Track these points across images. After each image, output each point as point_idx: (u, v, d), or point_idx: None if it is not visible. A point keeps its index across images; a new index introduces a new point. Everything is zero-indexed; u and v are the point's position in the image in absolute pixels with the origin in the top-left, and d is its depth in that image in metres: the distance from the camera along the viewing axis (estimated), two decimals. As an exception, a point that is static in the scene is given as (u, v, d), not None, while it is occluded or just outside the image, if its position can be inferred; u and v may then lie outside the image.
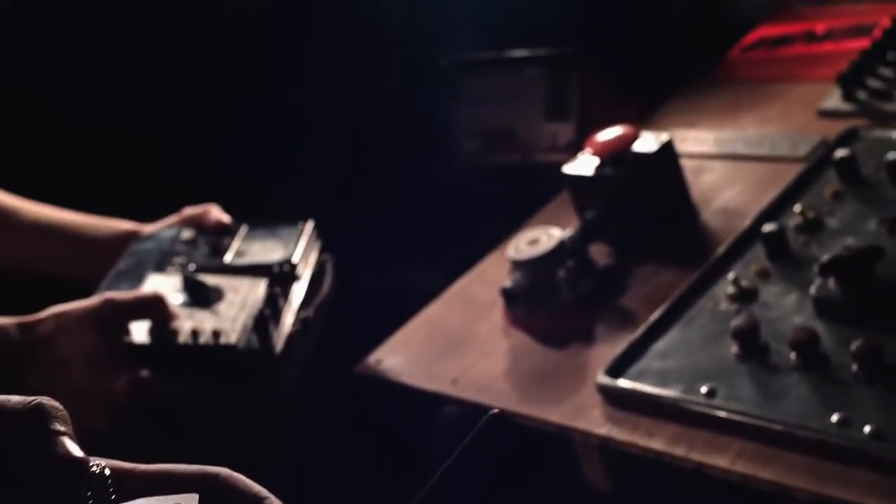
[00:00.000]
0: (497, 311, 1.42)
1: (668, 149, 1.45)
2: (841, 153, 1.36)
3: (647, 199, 1.43)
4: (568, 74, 1.74)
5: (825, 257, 1.16)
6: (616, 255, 1.43)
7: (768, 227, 1.28)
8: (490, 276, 1.50)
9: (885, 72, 1.56)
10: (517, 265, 1.38)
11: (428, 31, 1.80)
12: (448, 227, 1.77)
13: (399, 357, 1.42)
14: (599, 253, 1.44)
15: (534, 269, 1.36)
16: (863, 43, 1.66)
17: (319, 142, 1.79)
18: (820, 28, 1.77)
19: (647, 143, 1.45)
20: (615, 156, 1.43)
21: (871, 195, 1.32)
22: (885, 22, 1.65)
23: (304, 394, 1.30)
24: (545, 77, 1.76)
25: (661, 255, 1.40)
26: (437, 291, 1.53)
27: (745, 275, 1.26)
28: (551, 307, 1.36)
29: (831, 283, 1.16)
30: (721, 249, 1.32)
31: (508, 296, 1.37)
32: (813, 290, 1.17)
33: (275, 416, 1.21)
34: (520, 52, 1.79)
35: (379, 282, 1.76)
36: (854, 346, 1.07)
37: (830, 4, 1.84)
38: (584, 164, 1.46)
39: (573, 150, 1.68)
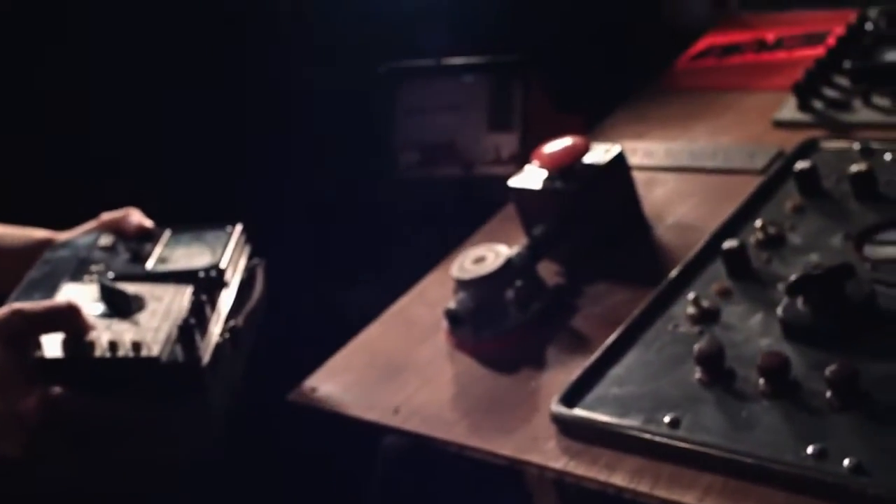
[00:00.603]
0: (440, 334, 1.33)
1: (619, 161, 1.38)
2: (801, 165, 1.30)
3: (598, 214, 1.35)
4: (511, 83, 1.66)
5: (793, 277, 1.08)
6: (567, 274, 1.36)
7: (728, 244, 1.21)
8: (432, 296, 1.41)
9: (841, 81, 1.50)
10: (462, 285, 1.29)
11: (366, 38, 1.72)
12: (386, 242, 1.68)
13: (336, 384, 1.33)
14: (549, 271, 1.36)
15: (480, 289, 1.28)
16: (816, 51, 1.60)
17: (252, 151, 1.69)
18: (770, 36, 1.71)
19: (597, 155, 1.38)
20: (564, 168, 1.35)
21: (834, 209, 1.26)
22: (839, 30, 1.59)
23: (234, 416, 1.21)
24: (487, 86, 1.68)
25: (615, 274, 1.32)
26: (375, 311, 1.44)
27: (705, 294, 1.19)
28: (499, 330, 1.28)
29: (800, 303, 1.09)
30: (678, 267, 1.24)
31: (453, 318, 1.28)
32: (780, 311, 1.10)
33: (201, 436, 1.11)
34: (461, 60, 1.70)
35: (313, 299, 1.66)
36: (828, 371, 0.99)
37: (774, 11, 1.79)
38: (531, 178, 1.38)
39: (517, 162, 1.61)
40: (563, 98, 1.71)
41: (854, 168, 1.25)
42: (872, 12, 1.58)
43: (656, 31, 1.95)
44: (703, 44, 1.78)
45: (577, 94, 1.77)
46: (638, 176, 1.42)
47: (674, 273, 1.24)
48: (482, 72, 1.69)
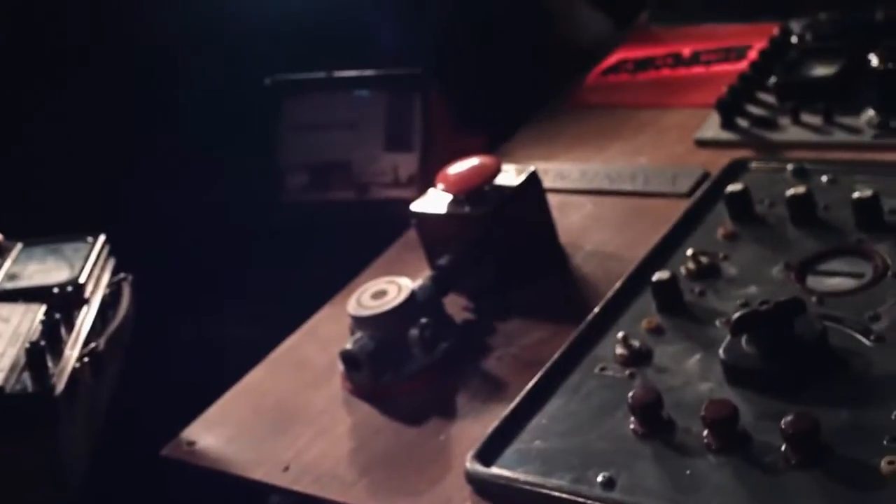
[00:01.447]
0: (336, 379, 1.18)
1: (533, 183, 1.25)
2: (732, 188, 1.18)
3: (511, 242, 1.22)
4: (410, 98, 1.52)
5: (737, 313, 0.96)
6: (477, 309, 1.22)
7: (659, 275, 1.08)
8: (326, 335, 1.26)
9: (767, 97, 1.40)
10: (359, 323, 1.14)
11: (253, 47, 1.55)
12: (273, 273, 1.52)
13: (216, 437, 1.16)
14: (457, 306, 1.22)
15: (380, 328, 1.13)
16: (736, 66, 1.50)
17: (126, 166, 1.52)
18: (685, 51, 1.60)
19: (508, 176, 1.24)
20: (473, 191, 1.21)
21: (770, 236, 1.14)
22: (760, 44, 1.49)
23: (98, 462, 1.05)
24: (384, 101, 1.54)
25: (531, 308, 1.19)
26: (260, 350, 1.28)
27: (634, 332, 1.06)
28: (402, 374, 1.13)
29: (744, 343, 0.97)
30: (603, 302, 1.11)
31: (350, 360, 1.13)
32: (722, 352, 0.98)
33: (55, 479, 0.97)
34: (355, 73, 1.56)
35: (192, 337, 1.49)
36: (784, 423, 0.87)
37: (687, 25, 1.68)
38: (435, 201, 1.24)
39: (417, 184, 1.47)
40: (465, 115, 1.58)
41: (791, 192, 1.14)
42: (796, 25, 1.48)
43: (559, 47, 1.83)
44: (613, 58, 1.66)
45: (480, 111, 1.64)
46: (551, 199, 1.29)
47: (598, 308, 1.11)
48: (378, 85, 1.54)
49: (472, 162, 1.24)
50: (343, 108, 1.56)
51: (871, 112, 1.29)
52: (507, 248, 1.21)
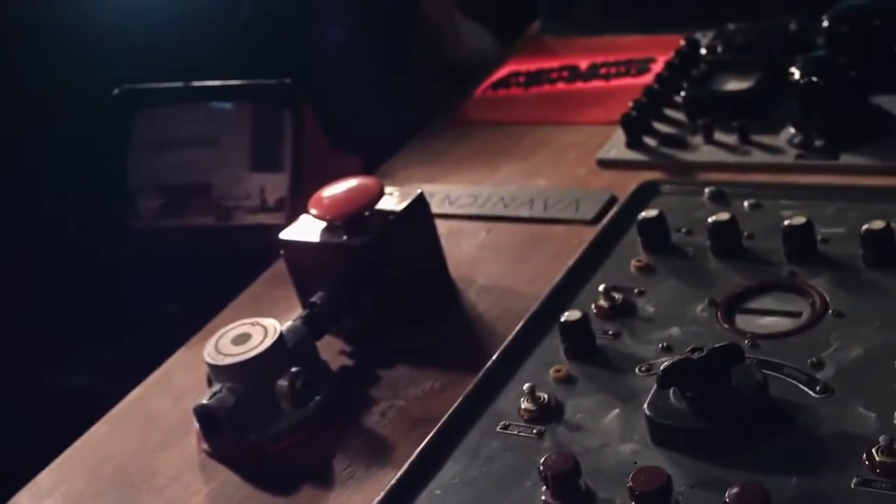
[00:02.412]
0: (191, 438, 1.00)
1: (419, 208, 1.09)
2: (646, 214, 1.04)
3: (395, 276, 1.06)
4: (280, 112, 1.34)
5: (666, 363, 0.82)
6: (357, 354, 1.05)
7: (568, 316, 0.93)
8: (180, 385, 1.08)
9: (675, 114, 1.27)
10: (218, 372, 0.97)
11: (102, 51, 1.36)
12: (118, 310, 1.33)
13: (45, 510, 0.98)
14: (333, 351, 1.05)
15: (242, 379, 0.96)
16: (639, 80, 1.38)
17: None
18: (583, 63, 1.47)
19: (391, 200, 1.08)
20: (350, 218, 1.05)
21: (690, 269, 1.01)
22: (665, 56, 1.36)
23: None
24: (250, 115, 1.36)
25: (419, 353, 1.03)
26: (102, 404, 1.10)
27: (541, 382, 0.91)
28: (269, 432, 0.96)
29: (672, 396, 0.82)
30: (504, 346, 0.96)
31: (206, 417, 0.96)
32: (647, 407, 0.83)
33: None
34: (217, 83, 1.38)
35: (21, 387, 1.29)
36: (730, 496, 0.73)
37: (582, 36, 1.56)
38: (307, 229, 1.08)
39: (287, 209, 1.30)
40: (342, 132, 1.42)
41: (713, 219, 1.01)
42: (704, 36, 1.36)
43: (444, 59, 1.69)
44: (503, 71, 1.52)
45: (358, 127, 1.48)
46: (439, 226, 1.14)
47: (497, 354, 0.95)
48: (244, 98, 1.37)
49: (350, 184, 1.08)
50: (203, 123, 1.38)
51: (791, 130, 1.17)
52: (390, 283, 1.05)
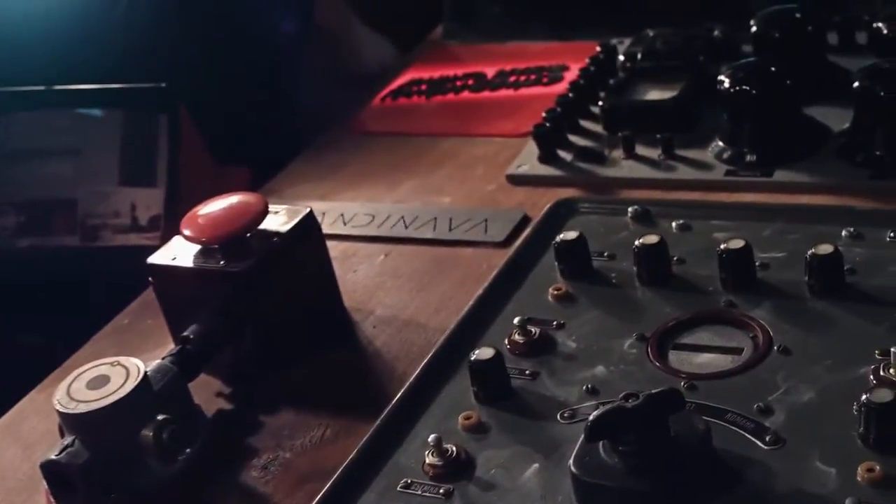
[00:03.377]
0: (40, 498, 0.85)
1: (309, 228, 0.96)
2: (564, 237, 0.93)
3: (280, 306, 0.93)
4: (154, 119, 1.20)
5: (595, 414, 0.70)
6: (235, 397, 0.92)
7: (479, 354, 0.81)
8: (30, 434, 0.94)
9: (592, 126, 1.16)
10: (71, 422, 0.82)
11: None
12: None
13: None
14: (208, 393, 0.92)
15: (98, 430, 0.81)
16: (551, 90, 1.27)
17: None
18: (490, 71, 1.35)
19: (276, 220, 0.95)
20: (229, 240, 0.92)
21: (615, 298, 0.90)
22: (579, 64, 1.26)
23: None
24: (120, 122, 1.22)
25: (307, 396, 0.90)
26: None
27: (449, 431, 0.79)
28: (132, 492, 0.82)
29: (602, 451, 0.71)
30: (405, 388, 0.84)
31: (56, 474, 0.81)
32: (573, 462, 0.71)
33: None
34: (84, 86, 1.23)
35: None
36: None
37: (488, 42, 1.44)
38: (180, 253, 0.94)
39: (162, 228, 1.16)
40: (224, 142, 1.28)
41: (640, 241, 0.90)
42: (621, 43, 1.26)
43: (337, 66, 1.56)
44: (403, 78, 1.40)
45: (242, 137, 1.34)
46: (331, 249, 1.01)
47: (398, 398, 0.83)
48: (114, 103, 1.22)
49: (230, 201, 0.95)
50: (67, 131, 1.23)
51: (719, 143, 1.07)
52: (274, 314, 0.92)
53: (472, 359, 0.81)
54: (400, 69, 1.43)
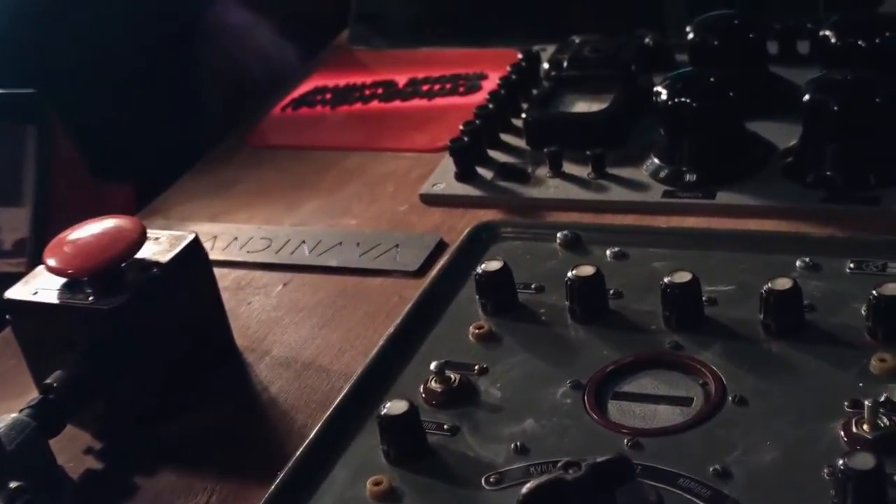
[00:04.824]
0: None
1: (193, 256, 0.83)
2: (486, 267, 0.82)
3: (159, 347, 0.80)
4: (21, 130, 1.07)
5: (529, 486, 0.59)
6: (106, 454, 0.79)
7: (390, 408, 0.70)
8: None
9: (514, 140, 1.05)
10: None
11: None
12: None
13: None
14: (74, 450, 0.79)
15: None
16: (468, 100, 1.17)
17: None
18: (401, 79, 1.24)
19: (156, 247, 0.83)
20: (101, 271, 0.79)
21: (544, 338, 0.79)
22: (501, 72, 1.15)
23: None
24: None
25: (191, 452, 0.78)
26: None
27: (356, 498, 0.67)
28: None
29: (537, 528, 0.60)
30: (305, 445, 0.72)
31: None
32: (503, 543, 0.60)
33: None
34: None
35: None
36: None
37: (399, 48, 1.33)
38: (43, 286, 0.81)
39: (28, 254, 1.03)
40: (104, 158, 1.15)
41: (574, 274, 0.79)
42: (544, 50, 1.16)
43: (231, 71, 1.43)
44: (305, 86, 1.28)
45: (124, 152, 1.21)
46: (221, 278, 0.89)
47: (297, 456, 0.71)
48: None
49: (103, 226, 0.82)
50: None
51: (655, 160, 0.97)
52: (153, 357, 0.80)
53: (382, 413, 0.70)
54: (302, 76, 1.30)
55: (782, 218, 0.89)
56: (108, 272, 0.79)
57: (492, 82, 1.17)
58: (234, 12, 1.42)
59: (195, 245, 0.83)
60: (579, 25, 1.21)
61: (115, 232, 0.81)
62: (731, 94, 0.93)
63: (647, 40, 1.11)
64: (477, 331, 0.80)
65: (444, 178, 1.02)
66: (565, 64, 1.07)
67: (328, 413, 0.74)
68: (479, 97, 1.15)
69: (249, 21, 1.43)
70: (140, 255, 0.81)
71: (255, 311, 0.91)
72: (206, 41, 1.38)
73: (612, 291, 0.81)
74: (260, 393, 0.82)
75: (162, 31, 1.32)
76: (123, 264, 0.79)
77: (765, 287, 0.74)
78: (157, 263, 0.81)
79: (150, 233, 0.83)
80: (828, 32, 0.99)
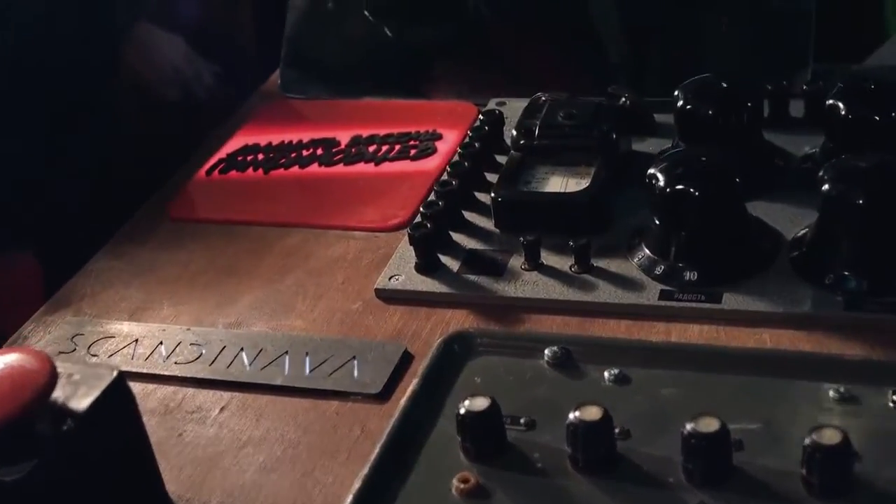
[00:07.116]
0: None
1: (118, 400, 0.68)
2: (470, 406, 0.68)
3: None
4: None
5: None
6: None
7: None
8: None
9: (478, 220, 0.92)
10: None
11: None
12: None
13: None
14: None
15: None
16: (422, 165, 1.03)
17: None
18: (344, 136, 1.10)
19: (70, 389, 0.67)
20: (3, 428, 0.64)
21: (541, 493, 0.66)
22: (458, 129, 1.02)
23: None
24: None
25: None
26: None
27: None
28: None
29: None
30: None
31: None
32: None
33: None
34: None
35: None
36: None
37: (338, 98, 1.19)
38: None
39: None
40: (2, 220, 1.00)
41: (577, 416, 0.66)
42: (504, 104, 1.03)
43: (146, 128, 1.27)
44: (232, 144, 1.13)
45: (26, 213, 1.06)
46: (144, 395, 0.76)
47: None
48: None
49: (2, 363, 0.67)
50: None
51: (647, 252, 0.84)
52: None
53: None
54: (230, 129, 1.15)
55: (801, 327, 0.77)
56: (11, 430, 0.64)
57: (446, 143, 1.04)
58: (155, 50, 1.26)
59: (119, 385, 0.68)
60: (536, 76, 1.10)
61: (18, 374, 0.66)
62: (736, 179, 0.81)
63: (623, 100, 0.98)
64: (462, 485, 0.67)
65: (402, 268, 0.88)
66: (536, 131, 0.94)
67: None
68: (434, 163, 1.01)
69: (171, 58, 1.28)
70: (53, 396, 0.66)
71: (188, 445, 0.77)
72: (122, 80, 1.22)
73: (617, 430, 0.69)
74: (201, 560, 0.69)
75: (72, 76, 1.16)
76: (29, 417, 0.65)
77: (807, 440, 0.62)
78: (71, 413, 0.66)
79: (64, 367, 0.68)
80: (838, 103, 0.87)
